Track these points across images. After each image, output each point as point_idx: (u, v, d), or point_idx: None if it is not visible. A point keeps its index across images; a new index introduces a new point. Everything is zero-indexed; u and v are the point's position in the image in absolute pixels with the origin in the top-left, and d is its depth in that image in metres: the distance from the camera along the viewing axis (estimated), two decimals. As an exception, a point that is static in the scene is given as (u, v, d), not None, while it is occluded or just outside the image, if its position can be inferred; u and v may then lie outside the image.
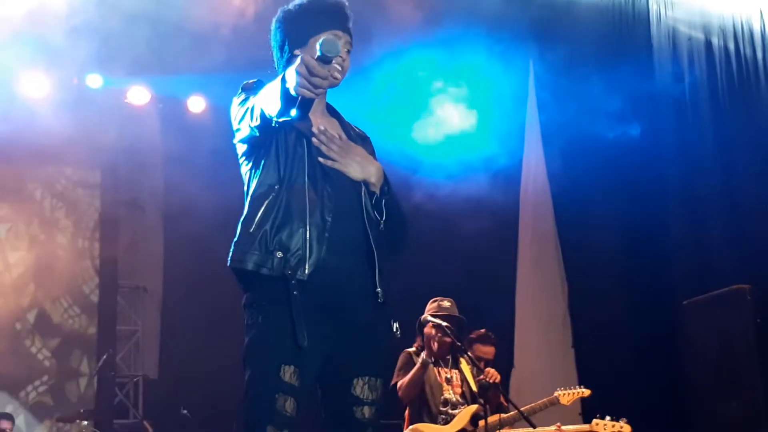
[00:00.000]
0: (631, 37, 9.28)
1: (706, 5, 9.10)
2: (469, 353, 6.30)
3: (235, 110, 3.13)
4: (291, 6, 3.22)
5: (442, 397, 6.22)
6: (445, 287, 6.78)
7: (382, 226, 3.15)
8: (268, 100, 2.83)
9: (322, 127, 3.12)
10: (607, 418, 6.34)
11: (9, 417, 8.83)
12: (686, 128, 9.09)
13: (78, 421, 8.69)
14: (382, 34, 8.22)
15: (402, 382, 6.15)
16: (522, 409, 6.09)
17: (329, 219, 3.01)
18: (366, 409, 3.06)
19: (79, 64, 9.11)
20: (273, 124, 2.90)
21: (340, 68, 3.06)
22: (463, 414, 6.17)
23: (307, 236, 2.97)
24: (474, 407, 6.19)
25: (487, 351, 6.74)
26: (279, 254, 2.95)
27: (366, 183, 3.14)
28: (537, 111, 9.78)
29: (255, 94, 3.00)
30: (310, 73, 2.63)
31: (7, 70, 8.82)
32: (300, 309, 2.90)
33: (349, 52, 3.16)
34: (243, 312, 3.04)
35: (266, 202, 3.01)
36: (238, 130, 3.14)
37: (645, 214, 8.97)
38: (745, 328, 6.79)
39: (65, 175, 10.79)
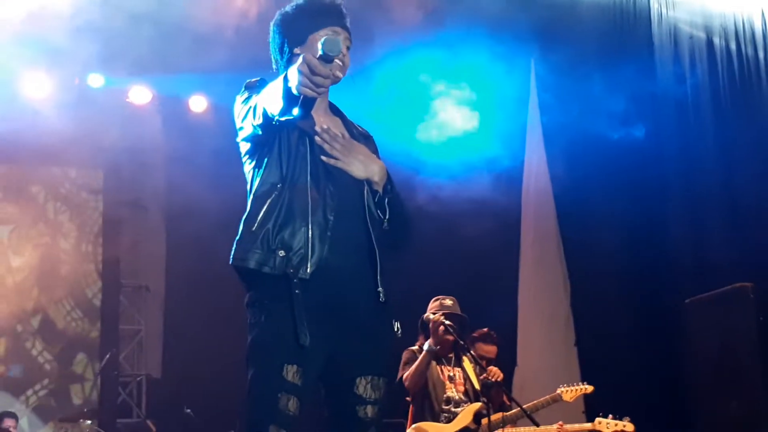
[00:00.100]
0: (632, 36, 9.28)
1: (707, 4, 9.09)
2: (471, 351, 6.31)
3: (238, 109, 3.14)
4: (288, 7, 3.24)
5: (444, 396, 6.22)
6: (448, 286, 6.78)
7: (385, 225, 3.15)
8: (271, 99, 2.84)
9: (325, 126, 3.12)
10: (610, 416, 6.34)
11: (12, 415, 8.84)
12: (688, 127, 9.09)
13: (81, 420, 8.70)
14: (384, 34, 8.23)
15: (408, 372, 6.15)
16: (525, 406, 6.10)
17: (331, 218, 3.01)
18: (369, 408, 3.06)
19: (80, 64, 9.12)
20: (275, 123, 2.91)
21: (341, 64, 3.07)
22: (466, 412, 6.17)
23: (309, 235, 2.97)
24: (477, 405, 6.19)
25: (489, 350, 6.74)
26: (281, 253, 2.95)
27: (369, 182, 3.14)
28: (538, 111, 9.78)
29: (258, 92, 3.00)
30: (312, 72, 2.64)
31: (9, 71, 8.83)
32: (302, 308, 2.91)
33: (348, 48, 3.18)
34: (245, 311, 3.04)
35: (269, 201, 3.01)
36: (241, 128, 3.14)
37: (647, 212, 8.98)
38: (748, 326, 6.79)
39: (70, 178, 10.80)
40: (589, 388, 6.57)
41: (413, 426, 6.16)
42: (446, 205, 8.66)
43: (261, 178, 3.07)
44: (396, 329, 3.18)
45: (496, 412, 6.21)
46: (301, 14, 3.19)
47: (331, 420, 3.12)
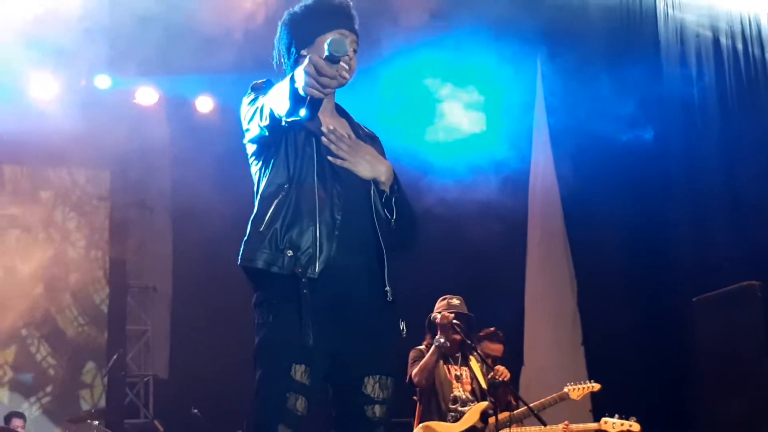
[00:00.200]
0: (638, 36, 9.26)
1: (713, 3, 9.08)
2: (478, 350, 6.32)
3: (245, 110, 3.14)
4: (296, 8, 3.23)
5: (451, 395, 6.23)
6: (455, 286, 6.79)
7: (392, 224, 3.15)
8: (277, 100, 2.84)
9: (331, 127, 3.12)
10: (616, 416, 6.34)
11: (20, 415, 8.86)
12: (693, 127, 9.08)
13: (89, 421, 8.72)
14: (389, 36, 8.23)
15: (417, 368, 6.16)
16: (532, 404, 6.10)
17: (339, 217, 3.01)
18: (377, 408, 3.06)
19: (87, 66, 9.14)
20: (282, 124, 2.91)
21: (347, 67, 3.07)
22: (473, 411, 6.18)
23: (317, 234, 2.97)
24: (483, 404, 6.20)
25: (496, 348, 6.75)
26: (289, 252, 2.95)
27: (376, 182, 3.15)
28: (545, 110, 9.77)
29: (264, 93, 3.00)
30: (319, 72, 2.64)
31: (16, 72, 8.85)
32: (310, 307, 2.91)
33: (355, 51, 3.17)
34: (253, 311, 3.04)
35: (276, 201, 3.02)
36: (247, 130, 3.14)
37: (653, 212, 8.97)
38: (755, 324, 6.77)
39: (79, 185, 10.81)
40: (596, 387, 6.58)
41: (420, 425, 6.17)
42: (453, 206, 8.66)
43: (268, 178, 3.08)
44: (401, 329, 3.18)
45: (502, 411, 6.21)
46: (310, 15, 3.18)
47: (339, 420, 3.12)
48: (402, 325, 3.18)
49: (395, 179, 3.20)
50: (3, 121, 8.67)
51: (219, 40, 8.22)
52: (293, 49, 3.20)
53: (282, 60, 3.25)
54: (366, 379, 3.06)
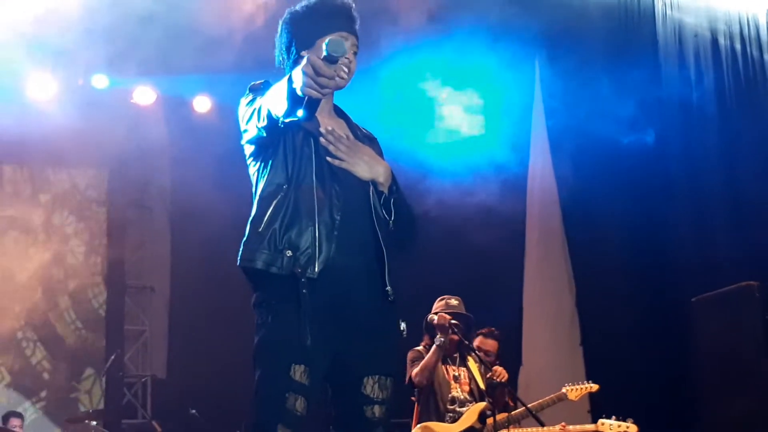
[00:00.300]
0: (636, 36, 9.25)
1: (712, 3, 9.07)
2: (476, 351, 6.32)
3: (243, 111, 3.14)
4: (298, 7, 3.22)
5: (449, 395, 6.23)
6: (453, 286, 6.79)
7: (391, 225, 3.15)
8: (275, 101, 2.84)
9: (329, 127, 3.12)
10: (613, 417, 6.33)
11: (19, 415, 8.86)
12: (692, 127, 9.07)
13: (87, 421, 8.71)
14: (389, 38, 8.23)
15: (418, 368, 6.15)
16: (530, 405, 6.10)
17: (338, 217, 3.01)
18: (376, 408, 3.06)
19: (85, 65, 9.14)
20: (279, 125, 2.90)
21: (346, 69, 3.06)
22: (471, 412, 6.17)
23: (317, 234, 2.97)
24: (482, 405, 6.19)
25: (490, 344, 6.74)
26: (288, 253, 2.95)
27: (374, 182, 3.15)
28: (543, 111, 9.76)
29: (262, 94, 3.00)
30: (317, 73, 2.64)
31: (15, 72, 8.85)
32: (309, 308, 2.91)
33: (355, 53, 3.17)
34: (253, 311, 3.04)
35: (275, 202, 3.02)
36: (245, 130, 3.14)
37: (652, 211, 8.96)
38: (754, 325, 6.77)
39: (78, 187, 10.79)
40: (594, 387, 6.57)
41: (418, 426, 6.16)
42: (451, 207, 8.66)
43: (266, 179, 3.07)
44: (402, 329, 3.18)
45: (499, 412, 6.20)
46: (311, 15, 3.18)
47: (338, 420, 3.12)
48: (402, 326, 3.18)
49: (394, 180, 3.19)
50: (2, 120, 8.66)
51: (218, 41, 8.23)
52: (293, 49, 3.19)
53: (282, 59, 3.25)
54: (365, 380, 3.06)
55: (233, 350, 8.05)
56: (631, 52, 9.24)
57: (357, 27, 3.21)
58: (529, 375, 9.12)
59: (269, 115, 2.90)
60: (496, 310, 8.07)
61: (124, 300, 10.72)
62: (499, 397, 6.37)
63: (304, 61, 2.68)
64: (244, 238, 3.04)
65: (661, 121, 9.20)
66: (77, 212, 10.74)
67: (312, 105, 2.78)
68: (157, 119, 10.18)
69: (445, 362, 6.34)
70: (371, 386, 3.06)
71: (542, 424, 6.06)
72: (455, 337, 6.15)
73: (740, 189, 8.66)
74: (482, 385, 6.33)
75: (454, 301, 6.42)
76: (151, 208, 10.93)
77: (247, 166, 3.22)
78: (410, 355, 6.33)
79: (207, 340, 9.84)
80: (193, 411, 8.85)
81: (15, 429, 8.55)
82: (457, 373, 6.35)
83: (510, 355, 8.48)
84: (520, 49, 9.12)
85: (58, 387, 10.39)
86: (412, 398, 6.37)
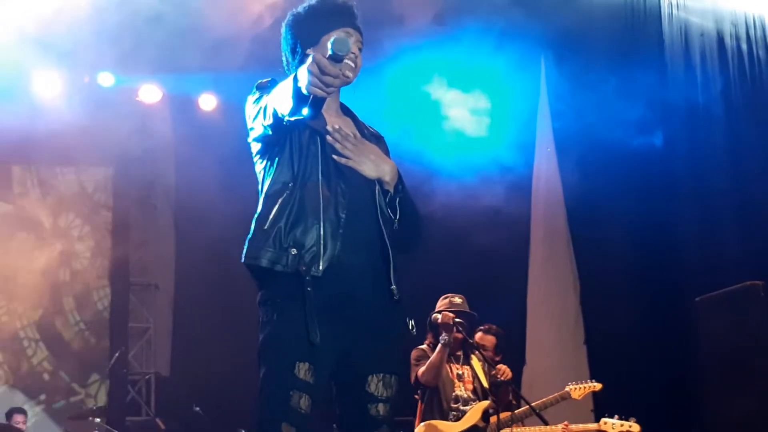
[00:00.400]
0: (642, 35, 9.25)
1: (718, 3, 9.07)
2: (480, 350, 6.32)
3: (250, 109, 3.14)
4: (300, 8, 3.24)
5: (453, 394, 6.23)
6: (457, 285, 6.79)
7: (396, 225, 3.15)
8: (281, 99, 2.84)
9: (336, 126, 3.12)
10: (616, 417, 6.33)
11: (22, 411, 8.86)
12: (698, 126, 9.07)
13: (90, 418, 8.72)
14: (395, 39, 8.23)
15: (424, 367, 6.15)
16: (533, 404, 6.10)
17: (343, 216, 3.01)
18: (381, 406, 3.06)
19: (93, 64, 9.15)
20: (285, 123, 2.91)
21: (353, 65, 3.07)
22: (474, 410, 6.17)
23: (322, 232, 2.97)
24: (485, 403, 6.19)
25: (488, 340, 6.72)
26: (293, 251, 2.95)
27: (380, 181, 3.15)
28: (549, 112, 9.76)
29: (269, 92, 3.01)
30: (322, 71, 2.64)
31: (21, 71, 8.86)
32: (314, 305, 2.91)
33: (360, 49, 3.18)
34: (258, 309, 3.05)
35: (280, 200, 3.02)
36: (252, 128, 3.14)
37: (656, 211, 8.96)
38: (758, 324, 6.77)
39: (84, 187, 10.77)
40: (598, 386, 6.57)
41: (422, 424, 6.16)
42: (456, 207, 8.65)
43: (272, 177, 3.08)
44: (411, 327, 3.19)
45: (503, 410, 6.20)
46: (314, 15, 3.19)
47: (342, 418, 3.13)
48: (411, 323, 3.18)
49: (400, 179, 3.19)
50: (11, 119, 8.67)
51: (225, 42, 8.22)
52: (299, 49, 3.20)
53: (287, 61, 3.25)
54: (370, 378, 3.06)
55: (237, 348, 8.07)
56: (637, 52, 9.24)
57: (360, 23, 3.22)
58: (532, 374, 9.12)
59: (275, 114, 2.91)
60: (500, 309, 8.07)
61: (128, 297, 10.72)
62: (502, 395, 6.36)
63: (309, 60, 2.69)
64: (249, 236, 3.04)
65: (667, 121, 9.20)
66: (84, 215, 10.73)
67: (317, 103, 2.78)
68: (162, 117, 10.19)
69: (448, 361, 6.33)
70: (376, 384, 3.06)
71: (546, 423, 6.06)
72: (459, 336, 6.14)
73: (745, 189, 8.67)
74: (486, 384, 6.33)
75: (457, 299, 6.42)
76: (155, 205, 10.93)
77: (253, 164, 3.22)
78: (414, 353, 6.32)
79: (211, 338, 9.85)
80: (197, 408, 8.86)
81: (19, 425, 8.56)
82: (460, 372, 6.35)
83: (514, 354, 8.48)
84: (526, 50, 9.11)
85: (59, 388, 10.36)
86: (416, 396, 6.37)
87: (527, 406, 6.12)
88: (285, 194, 3.02)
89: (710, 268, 8.47)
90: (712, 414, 7.22)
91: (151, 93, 9.99)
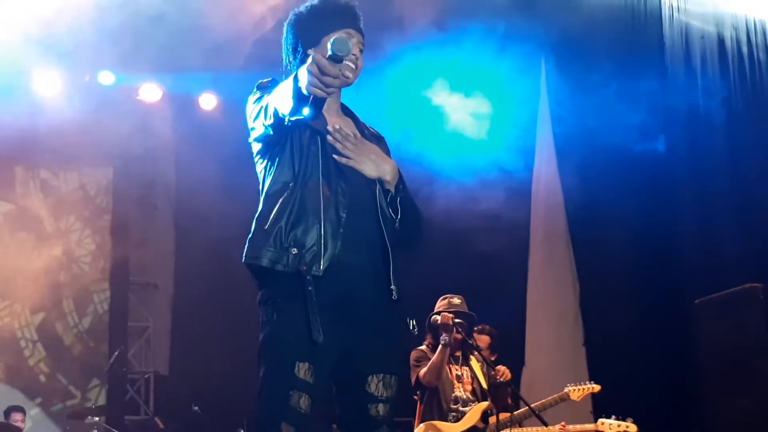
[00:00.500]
0: (643, 37, 9.25)
1: (719, 5, 9.07)
2: (480, 350, 6.32)
3: (250, 109, 3.14)
4: (302, 8, 3.24)
5: (452, 395, 6.23)
6: (457, 286, 6.79)
7: (397, 224, 3.15)
8: (281, 99, 2.85)
9: (337, 126, 3.12)
10: (613, 417, 6.34)
11: (20, 409, 8.84)
12: (698, 127, 9.07)
13: (89, 417, 8.71)
14: (395, 43, 8.23)
15: (426, 368, 6.14)
16: (532, 405, 6.09)
17: (344, 215, 3.02)
18: (381, 407, 3.07)
19: (94, 63, 9.15)
20: (286, 123, 2.91)
21: (353, 66, 3.08)
22: (474, 411, 6.17)
23: (322, 232, 2.98)
24: (484, 404, 6.19)
25: (482, 340, 6.73)
26: (294, 250, 2.96)
27: (381, 181, 3.15)
28: (549, 114, 9.76)
29: (269, 92, 3.01)
30: (322, 72, 2.65)
31: (22, 70, 8.85)
32: (315, 305, 2.91)
33: (361, 50, 3.18)
34: (258, 308, 3.05)
35: (281, 200, 3.02)
36: (253, 128, 3.15)
37: (656, 212, 8.96)
38: (757, 326, 6.77)
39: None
40: (596, 388, 6.57)
41: (421, 425, 6.16)
42: (456, 210, 8.64)
43: (273, 177, 3.08)
44: (412, 327, 3.19)
45: (500, 412, 6.20)
46: (315, 15, 3.19)
47: (342, 418, 3.13)
48: (412, 323, 3.19)
49: (401, 179, 3.20)
50: (11, 118, 8.67)
51: (227, 43, 8.22)
52: (300, 49, 3.20)
53: (288, 60, 3.25)
54: (370, 378, 3.06)
55: (236, 347, 8.08)
56: (638, 54, 9.24)
57: (362, 24, 3.22)
58: (532, 375, 9.12)
59: (275, 114, 2.91)
60: (499, 310, 8.06)
61: (127, 296, 10.72)
62: (501, 396, 6.37)
63: (309, 60, 2.69)
64: (250, 236, 3.04)
65: (666, 123, 9.20)
66: (86, 218, 10.71)
67: (317, 104, 2.78)
68: (163, 116, 10.18)
69: (447, 362, 6.33)
70: (376, 384, 3.06)
71: (546, 424, 6.06)
72: (459, 336, 6.14)
73: (745, 191, 8.67)
74: (485, 385, 6.33)
75: (456, 300, 6.42)
76: (155, 204, 10.93)
77: (254, 164, 3.22)
78: (414, 354, 6.32)
79: (210, 337, 9.85)
80: (196, 408, 8.85)
81: (17, 423, 8.56)
82: (459, 373, 6.35)
83: (513, 355, 8.48)
84: (527, 53, 9.10)
85: (57, 391, 10.33)
86: (414, 397, 6.37)
87: (526, 408, 6.11)
88: (285, 194, 3.02)
89: (710, 269, 8.47)
90: (712, 414, 7.22)
91: (151, 92, 9.98)
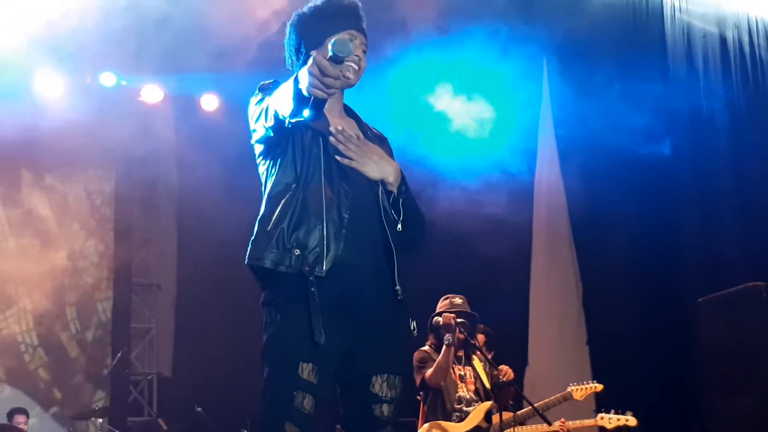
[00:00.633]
0: (645, 36, 9.25)
1: (721, 4, 9.07)
2: (482, 350, 6.32)
3: (252, 110, 3.14)
4: (305, 9, 3.23)
5: (456, 395, 6.23)
6: (459, 286, 6.79)
7: (399, 226, 3.15)
8: (282, 101, 2.84)
9: (339, 127, 3.12)
10: (612, 411, 6.35)
11: (23, 411, 8.84)
12: (700, 127, 9.07)
13: (93, 418, 8.72)
14: (397, 46, 8.23)
15: (431, 369, 6.15)
16: (536, 405, 6.10)
17: (346, 216, 3.02)
18: (385, 407, 3.07)
19: (95, 65, 9.16)
20: (286, 125, 2.91)
21: (356, 67, 3.07)
22: (477, 411, 6.18)
23: (325, 233, 2.98)
24: (488, 404, 6.20)
25: (479, 339, 6.72)
26: (297, 252, 2.96)
27: (383, 182, 3.15)
28: (550, 113, 9.75)
29: (271, 94, 3.00)
30: (322, 73, 2.64)
31: (24, 71, 8.86)
32: (317, 306, 2.91)
33: (364, 51, 3.18)
34: (261, 310, 3.05)
35: (283, 201, 3.02)
36: (254, 130, 3.15)
37: (659, 212, 8.96)
38: (760, 325, 6.77)
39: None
40: (599, 387, 6.57)
41: (425, 425, 6.17)
42: (459, 212, 8.64)
43: (275, 178, 3.08)
44: (413, 328, 3.19)
45: (502, 411, 6.21)
46: (318, 16, 3.19)
47: (346, 418, 3.13)
48: (413, 324, 3.19)
49: (403, 180, 3.19)
50: (15, 120, 8.67)
51: (229, 44, 8.22)
52: (302, 50, 3.20)
53: (291, 61, 3.26)
54: (374, 378, 3.06)
55: (239, 348, 8.08)
56: (639, 54, 9.23)
57: (365, 25, 3.22)
58: (535, 374, 9.12)
59: (276, 115, 2.91)
60: (502, 310, 8.07)
61: (130, 298, 10.72)
62: (504, 396, 6.37)
63: (309, 61, 2.68)
64: (253, 237, 3.04)
65: (668, 123, 9.19)
66: (91, 227, 10.70)
67: (318, 105, 2.77)
68: (165, 118, 10.18)
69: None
70: (380, 385, 3.06)
71: (549, 423, 6.06)
72: (461, 336, 6.15)
73: (747, 190, 8.67)
74: (488, 385, 6.33)
75: (458, 300, 6.42)
76: (158, 205, 10.93)
77: (256, 165, 3.23)
78: (417, 356, 6.32)
79: (213, 338, 9.86)
80: (199, 409, 8.86)
81: (20, 425, 8.56)
82: (462, 373, 6.35)
83: (516, 354, 8.48)
84: (529, 55, 9.10)
85: (55, 397, 10.33)
86: (417, 397, 6.38)
87: (530, 407, 6.12)
88: (288, 195, 3.03)
89: (712, 269, 8.47)
90: (713, 414, 7.22)
91: (153, 93, 9.98)
